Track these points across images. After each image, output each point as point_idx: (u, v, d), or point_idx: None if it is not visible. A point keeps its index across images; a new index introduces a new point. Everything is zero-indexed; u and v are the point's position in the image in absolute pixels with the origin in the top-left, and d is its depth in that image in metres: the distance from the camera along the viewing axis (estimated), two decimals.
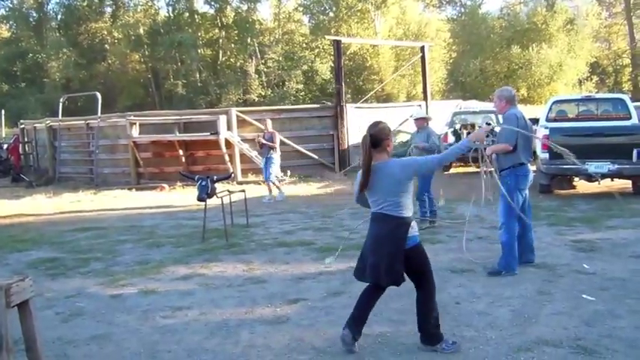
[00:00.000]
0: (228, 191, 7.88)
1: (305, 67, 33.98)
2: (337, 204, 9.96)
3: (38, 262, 6.42)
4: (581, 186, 10.37)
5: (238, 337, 3.91)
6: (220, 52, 37.42)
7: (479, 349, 3.55)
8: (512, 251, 5.10)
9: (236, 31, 36.33)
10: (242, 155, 13.58)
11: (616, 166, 8.84)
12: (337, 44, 15.60)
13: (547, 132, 9.26)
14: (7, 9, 39.93)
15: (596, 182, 9.54)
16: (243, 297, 4.81)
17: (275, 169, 10.63)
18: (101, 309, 4.65)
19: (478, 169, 5.07)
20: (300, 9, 37.99)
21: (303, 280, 5.24)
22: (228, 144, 13.43)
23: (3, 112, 24.75)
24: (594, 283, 4.77)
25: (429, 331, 3.55)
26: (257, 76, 34.37)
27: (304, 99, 31.87)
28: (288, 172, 13.61)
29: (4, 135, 23.12)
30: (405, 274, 3.50)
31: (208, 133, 13.25)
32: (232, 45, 37.00)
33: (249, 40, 35.09)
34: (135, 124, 13.89)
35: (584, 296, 4.43)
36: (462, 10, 40.04)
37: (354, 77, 33.45)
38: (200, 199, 7.34)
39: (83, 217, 9.83)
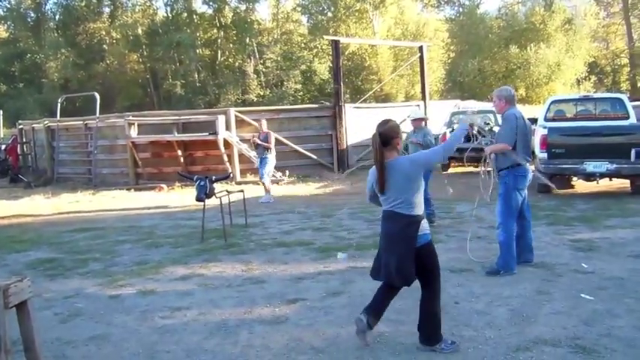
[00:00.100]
0: (227, 191, 7.88)
1: (303, 67, 33.98)
2: (336, 204, 9.97)
3: (37, 263, 6.41)
4: (580, 185, 10.39)
5: (237, 337, 3.91)
6: (219, 52, 37.40)
7: (478, 348, 3.55)
8: (510, 251, 5.11)
9: (234, 32, 36.32)
10: (241, 155, 13.58)
11: (614, 165, 8.85)
12: (336, 44, 15.60)
13: (545, 132, 9.28)
14: (5, 9, 39.93)
15: (595, 182, 9.57)
16: (242, 297, 4.81)
17: (268, 168, 10.62)
18: (100, 309, 4.65)
19: (476, 169, 5.08)
20: (299, 9, 38.01)
21: (302, 280, 5.24)
22: (227, 144, 13.42)
23: (1, 112, 24.66)
24: (593, 282, 4.78)
25: (430, 331, 3.55)
26: (255, 76, 34.37)
27: (303, 99, 31.88)
28: (287, 172, 13.61)
29: (2, 135, 23.05)
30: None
31: (207, 134, 13.24)
32: (231, 45, 36.99)
33: (247, 40, 35.09)
34: (133, 124, 13.88)
35: (582, 296, 4.43)
36: (460, 10, 40.09)
37: (353, 77, 33.47)
38: (199, 199, 7.34)
39: (82, 218, 9.82)
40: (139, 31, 36.60)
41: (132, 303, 4.78)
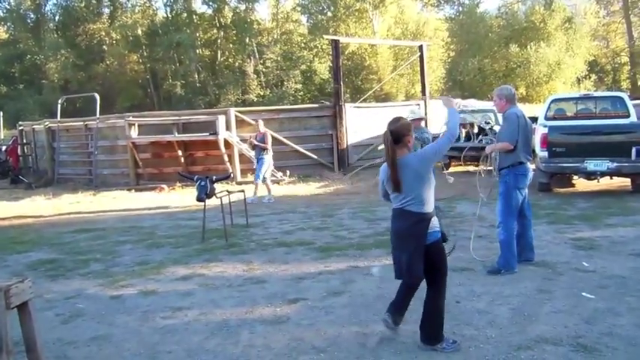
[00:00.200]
0: (228, 191, 7.88)
1: (303, 67, 33.97)
2: (336, 204, 9.97)
3: (38, 264, 6.42)
4: (580, 184, 10.38)
5: (238, 337, 3.91)
6: (219, 52, 37.39)
7: (479, 347, 3.55)
8: (511, 249, 5.11)
9: (234, 32, 36.29)
10: (241, 155, 13.57)
11: (615, 164, 8.85)
12: (335, 44, 15.59)
13: (546, 130, 9.27)
14: (5, 10, 39.90)
15: (595, 180, 9.56)
16: (243, 297, 4.81)
17: (264, 169, 10.61)
18: (101, 310, 4.65)
19: (477, 168, 5.08)
20: (298, 9, 37.98)
21: (302, 279, 5.24)
22: (227, 144, 13.42)
23: (1, 113, 24.65)
24: (594, 281, 4.78)
25: (432, 330, 3.55)
26: (256, 76, 34.36)
27: (303, 99, 31.87)
28: (288, 172, 13.61)
29: (2, 137, 23.05)
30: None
31: (207, 134, 13.24)
32: (231, 45, 36.97)
33: (247, 40, 35.07)
34: (134, 124, 13.88)
35: (583, 294, 4.43)
36: (460, 9, 40.04)
37: (353, 77, 33.44)
38: (199, 199, 7.34)
39: (82, 219, 9.82)
40: (139, 31, 36.59)
41: (133, 303, 4.78)
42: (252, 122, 13.79)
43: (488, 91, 28.55)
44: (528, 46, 31.69)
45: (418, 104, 16.34)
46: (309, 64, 34.08)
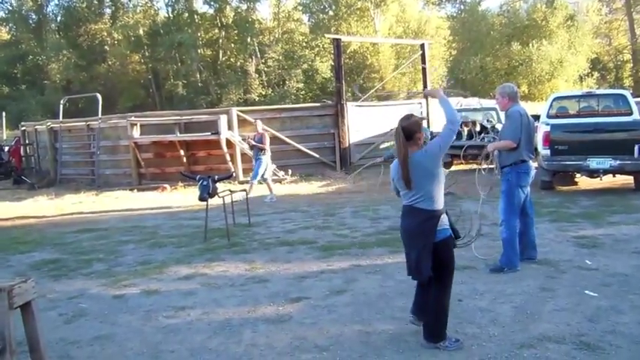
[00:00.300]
0: (230, 191, 7.88)
1: (305, 66, 33.95)
2: (338, 202, 9.97)
3: (41, 264, 6.43)
4: (583, 182, 10.36)
5: (241, 337, 3.91)
6: (220, 52, 37.39)
7: (482, 345, 3.54)
8: (514, 248, 5.10)
9: (236, 31, 36.29)
10: (243, 155, 13.58)
11: (617, 162, 8.83)
12: (337, 43, 15.58)
13: (548, 128, 9.25)
14: (7, 11, 39.98)
15: (598, 178, 9.54)
16: (245, 296, 4.82)
17: (261, 170, 10.59)
18: (104, 310, 4.66)
19: (479, 167, 5.07)
20: (300, 8, 37.94)
21: (305, 278, 5.24)
22: (229, 144, 13.43)
23: (4, 114, 24.78)
24: (597, 279, 4.76)
25: (435, 327, 3.55)
26: (257, 75, 34.36)
27: (305, 98, 31.86)
28: (290, 171, 13.62)
29: (5, 137, 23.14)
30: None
31: (209, 133, 13.25)
32: (232, 45, 36.98)
33: (249, 39, 35.05)
34: (136, 124, 13.90)
35: (586, 292, 4.43)
36: (462, 7, 39.97)
37: (355, 76, 33.41)
38: (201, 199, 7.35)
39: (85, 219, 9.84)
40: (141, 31, 36.62)
41: (136, 303, 4.79)
42: (254, 122, 13.81)
43: (490, 89, 28.51)
44: (530, 44, 31.62)
45: (420, 103, 16.34)
46: (310, 63, 34.05)
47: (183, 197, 11.82)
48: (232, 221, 7.90)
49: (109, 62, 38.41)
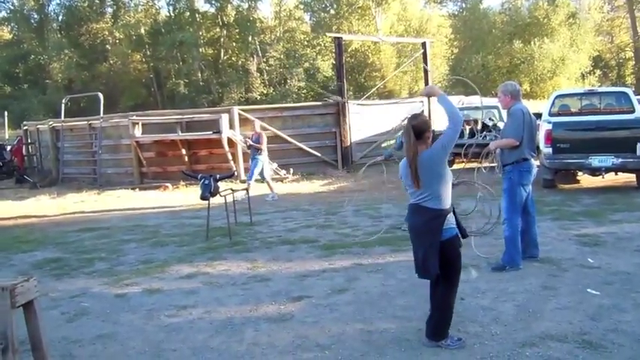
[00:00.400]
0: (232, 190, 7.89)
1: (306, 65, 33.95)
2: (340, 201, 9.96)
3: (43, 263, 6.44)
4: (585, 180, 10.34)
5: (243, 335, 3.92)
6: (222, 50, 37.41)
7: (484, 344, 3.54)
8: (516, 246, 5.09)
9: (237, 30, 36.32)
10: (245, 154, 13.56)
11: (620, 159, 8.80)
12: (338, 41, 15.56)
13: (550, 126, 9.24)
14: (9, 11, 40.05)
15: (600, 176, 9.52)
16: (247, 295, 4.82)
17: (257, 170, 10.56)
18: (106, 308, 4.67)
19: (480, 165, 5.07)
20: (301, 7, 37.96)
21: (306, 277, 5.24)
22: (231, 143, 13.43)
23: (6, 113, 24.80)
24: (599, 277, 4.76)
25: (438, 326, 3.55)
26: (259, 74, 34.37)
27: (306, 97, 31.86)
28: (291, 170, 13.62)
29: (7, 137, 23.17)
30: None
31: (211, 132, 13.25)
32: (234, 44, 37.01)
33: (250, 38, 35.07)
34: (137, 123, 13.90)
35: (588, 290, 4.42)
36: (463, 5, 39.98)
37: (356, 74, 33.41)
38: (203, 197, 7.35)
39: (87, 218, 9.85)
40: (142, 30, 36.67)
41: (138, 302, 4.80)
42: (256, 120, 13.81)
43: (492, 87, 28.47)
44: (532, 42, 31.59)
45: (422, 101, 16.31)
46: (312, 61, 34.06)
47: (184, 196, 11.83)
48: (234, 220, 7.91)
49: (111, 61, 38.46)
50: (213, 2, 36.25)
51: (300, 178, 13.55)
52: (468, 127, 12.98)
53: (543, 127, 9.27)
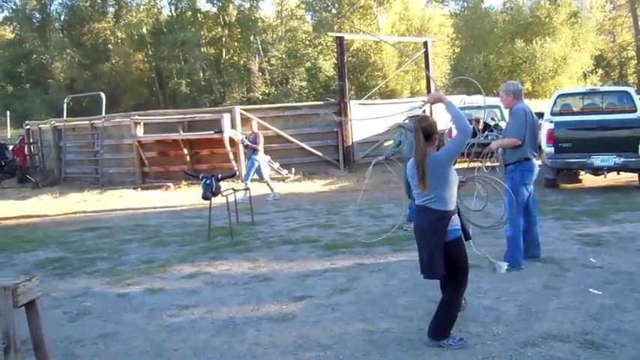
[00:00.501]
0: (233, 189, 7.89)
1: (308, 65, 33.93)
2: (342, 201, 9.96)
3: (45, 262, 6.45)
4: (587, 180, 10.33)
5: (244, 335, 3.92)
6: (223, 50, 37.41)
7: (486, 344, 3.54)
8: (518, 246, 5.09)
9: (239, 30, 36.30)
10: (246, 153, 13.57)
11: (622, 159, 8.79)
12: (340, 41, 15.55)
13: (552, 126, 9.22)
14: (11, 10, 40.10)
15: (602, 176, 9.50)
16: (249, 295, 4.82)
17: (253, 170, 10.55)
18: (108, 308, 4.67)
19: (481, 165, 5.06)
20: (303, 6, 37.94)
21: (308, 277, 5.24)
22: (233, 142, 13.43)
23: (8, 113, 24.83)
24: (601, 277, 4.75)
25: (441, 325, 3.55)
26: (260, 74, 34.36)
27: (308, 96, 31.85)
28: (293, 170, 13.62)
29: (9, 136, 23.19)
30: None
31: (212, 132, 13.26)
32: (235, 43, 37.00)
33: (252, 38, 35.07)
34: (139, 123, 13.91)
35: (591, 290, 4.41)
36: (465, 4, 39.93)
37: (358, 74, 33.38)
38: (205, 197, 7.36)
39: (89, 217, 9.87)
40: (144, 30, 36.67)
41: (139, 301, 4.80)
42: (258, 120, 13.83)
43: (494, 86, 28.45)
44: (534, 42, 31.52)
45: (423, 101, 16.28)
46: (313, 61, 34.04)
47: (186, 196, 11.83)
48: (236, 220, 7.91)
49: (113, 61, 38.48)
50: (214, 2, 36.27)
51: (302, 177, 13.55)
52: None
53: (545, 127, 9.26)
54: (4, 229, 9.02)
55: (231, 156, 13.42)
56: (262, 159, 10.78)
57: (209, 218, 7.37)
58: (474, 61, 32.68)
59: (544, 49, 31.00)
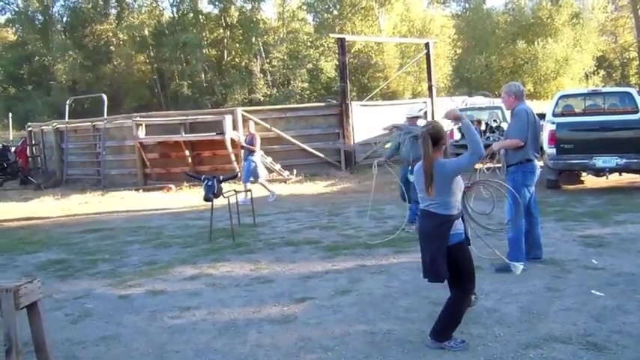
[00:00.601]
0: (235, 191, 7.89)
1: (310, 66, 33.98)
2: (343, 202, 9.96)
3: (47, 264, 6.46)
4: (589, 181, 10.31)
5: (246, 337, 3.92)
6: (225, 52, 37.47)
7: (487, 346, 3.53)
8: (520, 247, 5.08)
9: (240, 31, 36.36)
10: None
11: (624, 160, 8.77)
12: (341, 42, 15.57)
13: (554, 127, 9.21)
14: (13, 12, 40.26)
15: (604, 177, 9.49)
16: (250, 296, 4.82)
17: (251, 172, 10.54)
18: (109, 310, 4.67)
19: (483, 166, 5.05)
20: (304, 7, 37.99)
21: (310, 278, 5.24)
22: (234, 144, 13.44)
23: (10, 115, 24.91)
24: (603, 278, 4.74)
25: (443, 327, 3.54)
26: (262, 75, 34.41)
27: (309, 97, 31.88)
28: (295, 171, 13.62)
29: (11, 138, 23.25)
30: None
31: (214, 133, 13.27)
32: (237, 45, 37.06)
33: (253, 39, 35.11)
34: (141, 125, 13.93)
35: (593, 292, 4.40)
36: (467, 5, 39.91)
37: (359, 75, 33.39)
38: (206, 199, 7.36)
39: (91, 219, 9.88)
40: (146, 32, 36.76)
41: (141, 303, 4.80)
42: (260, 122, 13.85)
43: (496, 88, 28.43)
44: (536, 42, 31.51)
45: (425, 102, 16.29)
46: (315, 62, 34.08)
47: (188, 197, 11.84)
48: (237, 221, 7.91)
49: (115, 63, 38.57)
50: (216, 3, 36.32)
51: (304, 179, 13.56)
52: None
53: (547, 128, 9.25)
54: (6, 231, 9.04)
55: (233, 157, 13.43)
56: (259, 160, 10.76)
57: (211, 220, 7.38)
58: (476, 62, 32.68)
59: (546, 50, 30.98)
